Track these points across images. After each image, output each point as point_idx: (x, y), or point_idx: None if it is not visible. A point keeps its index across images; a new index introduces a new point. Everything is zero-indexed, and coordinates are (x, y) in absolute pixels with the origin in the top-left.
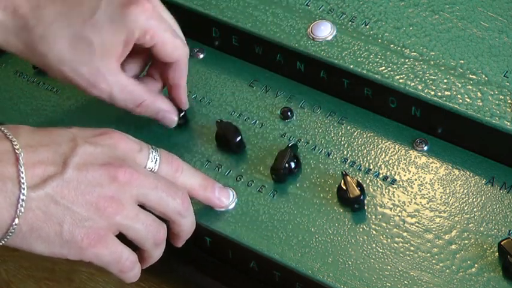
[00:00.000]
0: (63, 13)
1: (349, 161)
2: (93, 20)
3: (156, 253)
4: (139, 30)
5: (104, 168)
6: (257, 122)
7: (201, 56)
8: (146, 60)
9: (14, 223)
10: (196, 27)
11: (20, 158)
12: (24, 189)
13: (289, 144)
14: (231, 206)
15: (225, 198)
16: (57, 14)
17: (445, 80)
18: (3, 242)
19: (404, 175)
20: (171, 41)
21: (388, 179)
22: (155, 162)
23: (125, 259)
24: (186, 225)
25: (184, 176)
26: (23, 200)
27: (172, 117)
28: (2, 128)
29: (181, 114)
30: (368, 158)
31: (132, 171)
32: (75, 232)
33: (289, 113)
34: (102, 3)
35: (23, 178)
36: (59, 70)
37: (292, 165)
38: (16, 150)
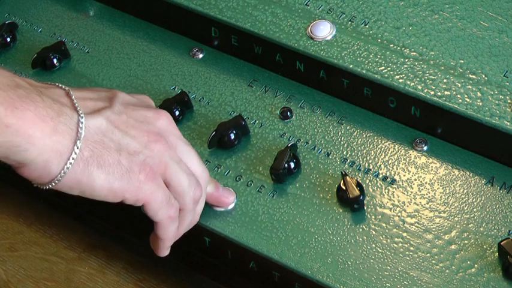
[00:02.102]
0: None
1: (348, 161)
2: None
3: (189, 217)
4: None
5: (146, 110)
6: (256, 122)
7: (201, 55)
8: None
9: (75, 146)
10: (195, 27)
11: (70, 92)
12: (81, 113)
13: (289, 144)
14: (231, 206)
15: (230, 196)
16: None
17: (445, 80)
18: (64, 173)
19: (404, 175)
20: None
21: (388, 179)
22: None
23: (173, 203)
24: (202, 203)
25: None
26: (82, 123)
27: None
28: (44, 82)
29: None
30: (368, 158)
31: (171, 118)
32: (132, 163)
33: (288, 113)
34: None
35: (78, 106)
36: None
37: (292, 165)
38: (64, 88)
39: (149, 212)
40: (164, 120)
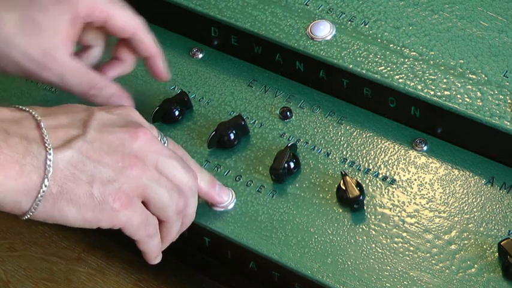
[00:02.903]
0: None
1: (348, 161)
2: (38, 1)
3: (175, 226)
4: (84, 8)
5: (124, 130)
6: (256, 122)
7: (200, 55)
8: (105, 43)
9: (43, 184)
10: (195, 27)
11: (41, 123)
12: (50, 149)
13: (289, 144)
14: (230, 206)
15: (225, 196)
16: None
17: (445, 80)
18: (34, 209)
19: (404, 175)
20: (119, 14)
21: (388, 179)
22: (164, 144)
23: (150, 222)
24: (193, 206)
25: (189, 164)
26: (50, 160)
27: (124, 103)
28: (16, 106)
29: None
30: (367, 158)
31: (150, 133)
32: (106, 193)
33: (288, 113)
34: None
35: (47, 140)
36: (8, 55)
37: (292, 165)
38: (36, 117)
39: (127, 233)
40: (141, 141)
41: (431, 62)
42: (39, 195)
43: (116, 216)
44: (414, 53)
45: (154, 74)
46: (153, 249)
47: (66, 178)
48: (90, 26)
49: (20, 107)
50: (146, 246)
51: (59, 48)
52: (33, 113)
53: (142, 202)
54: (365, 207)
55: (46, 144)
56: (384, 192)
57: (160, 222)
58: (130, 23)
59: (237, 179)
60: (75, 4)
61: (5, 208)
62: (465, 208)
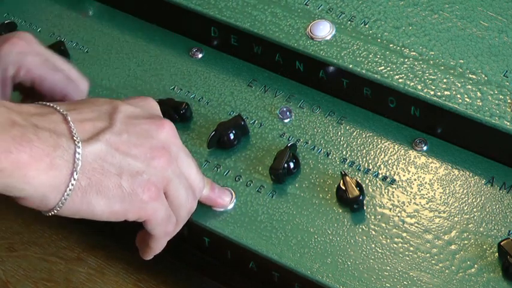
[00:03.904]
0: None
1: (348, 161)
2: None
3: (180, 227)
4: (12, 67)
5: (149, 121)
6: (256, 121)
7: (200, 55)
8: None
9: (72, 177)
10: (195, 27)
11: (68, 117)
12: (78, 142)
13: (288, 144)
14: (230, 206)
15: (226, 197)
16: None
17: (445, 80)
18: (62, 203)
19: (404, 175)
20: (48, 76)
21: (388, 179)
22: None
23: (172, 220)
24: (193, 206)
25: None
26: (78, 153)
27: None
28: (40, 102)
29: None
30: (367, 158)
31: (174, 126)
32: (135, 184)
33: (288, 113)
34: None
35: (75, 134)
36: None
37: (291, 165)
38: (62, 111)
39: (148, 226)
40: (167, 132)
41: (431, 62)
42: (68, 189)
43: (144, 207)
44: (414, 53)
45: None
46: (160, 248)
47: (95, 170)
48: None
49: (44, 103)
50: (157, 243)
51: None
52: (58, 108)
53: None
54: (365, 208)
55: (74, 138)
56: (383, 192)
57: None
58: (59, 87)
59: (236, 179)
60: (3, 66)
61: (33, 203)
62: (465, 208)
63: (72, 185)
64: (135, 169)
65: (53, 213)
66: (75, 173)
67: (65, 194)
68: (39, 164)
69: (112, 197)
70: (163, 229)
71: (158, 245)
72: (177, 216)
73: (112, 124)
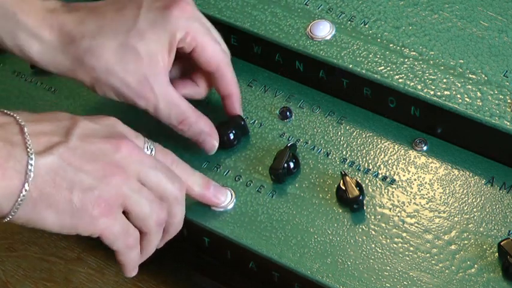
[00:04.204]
0: (106, 25)
1: (348, 161)
2: (136, 29)
3: (155, 238)
4: (180, 32)
5: (106, 140)
6: (256, 121)
7: None
8: (186, 69)
9: (24, 188)
10: None
11: (25, 128)
12: (32, 154)
13: (288, 144)
14: (230, 206)
15: (221, 196)
16: (101, 27)
17: (445, 80)
18: (14, 212)
19: (404, 175)
20: (210, 45)
21: (388, 179)
22: (150, 152)
23: (131, 233)
24: (179, 216)
25: (179, 170)
26: (31, 165)
27: (212, 142)
28: (1, 110)
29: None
30: (367, 158)
31: (133, 144)
32: (86, 199)
33: (288, 113)
34: (142, 10)
35: (29, 145)
36: (107, 82)
37: (291, 165)
38: (20, 122)
39: (106, 242)
40: (123, 152)
41: (431, 62)
42: (19, 199)
43: (94, 223)
44: (414, 53)
45: (228, 111)
46: (131, 261)
47: (46, 183)
48: (178, 52)
49: (6, 111)
50: (124, 257)
51: (157, 78)
52: (17, 118)
53: (124, 213)
54: (365, 208)
55: (28, 149)
56: (383, 192)
57: (141, 233)
58: (216, 58)
59: (236, 179)
60: (173, 28)
61: None
62: (465, 208)
63: (24, 195)
64: (87, 185)
65: (7, 220)
66: (26, 184)
67: (16, 203)
68: None
69: (62, 211)
70: (123, 243)
71: (126, 259)
72: (147, 229)
73: (68, 139)
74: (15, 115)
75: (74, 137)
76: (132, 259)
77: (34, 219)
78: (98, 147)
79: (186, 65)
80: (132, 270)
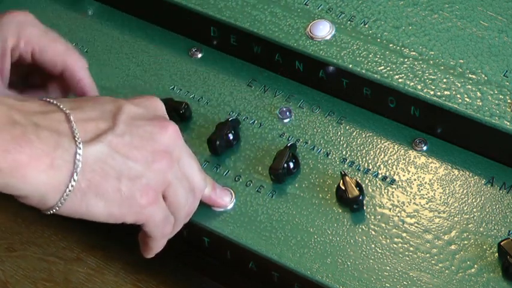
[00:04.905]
0: None
1: (348, 161)
2: None
3: (179, 228)
4: (11, 39)
5: (152, 123)
6: (255, 121)
7: (199, 55)
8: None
9: (72, 178)
10: (194, 27)
11: (70, 116)
12: (79, 143)
13: (288, 144)
14: (230, 206)
15: (226, 197)
16: None
17: (445, 80)
18: (61, 203)
19: (404, 175)
20: (50, 46)
21: (387, 179)
22: None
23: (170, 221)
24: (194, 207)
25: None
26: (79, 154)
27: None
28: (43, 98)
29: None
30: (367, 158)
31: (177, 128)
32: (134, 188)
33: (287, 113)
34: None
35: (76, 134)
36: None
37: (291, 165)
38: (65, 110)
39: (146, 228)
40: (170, 134)
41: (431, 62)
42: (68, 190)
43: (141, 212)
44: (414, 53)
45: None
46: (160, 247)
47: (95, 172)
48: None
49: (48, 99)
50: (156, 243)
51: None
52: (61, 106)
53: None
54: (364, 208)
55: (76, 138)
56: (383, 192)
57: None
58: (60, 57)
59: (236, 179)
60: (3, 38)
61: (32, 202)
62: (465, 208)
63: (72, 186)
64: (135, 173)
65: (51, 212)
66: (75, 174)
67: (64, 194)
68: (38, 165)
69: (110, 201)
70: (161, 231)
71: (157, 245)
72: (176, 218)
73: (115, 125)
74: (58, 103)
75: (121, 122)
76: (161, 245)
77: (81, 210)
78: (145, 130)
79: (41, 76)
80: (153, 254)
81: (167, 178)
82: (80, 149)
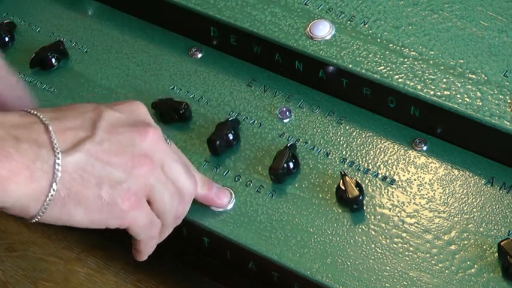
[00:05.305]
0: None
1: (348, 161)
2: None
3: (169, 231)
4: None
5: (133, 129)
6: (255, 121)
7: (199, 55)
8: None
9: (52, 188)
10: (194, 27)
11: (49, 127)
12: (58, 153)
13: (288, 144)
14: (230, 206)
15: (224, 197)
16: None
17: (445, 80)
18: (42, 213)
19: (404, 175)
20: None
21: (387, 179)
22: (169, 145)
23: (155, 223)
24: (185, 213)
25: None
26: (58, 164)
27: None
28: (25, 109)
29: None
30: (367, 158)
31: (159, 133)
32: (114, 194)
33: (287, 113)
34: None
35: (56, 144)
36: None
37: (291, 165)
38: (44, 121)
39: (131, 232)
40: (150, 140)
41: (431, 62)
42: (48, 199)
43: (124, 216)
44: (414, 53)
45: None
46: (150, 250)
47: (74, 181)
48: None
49: (29, 110)
50: (145, 246)
51: None
52: (41, 116)
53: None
54: (364, 208)
55: (55, 148)
56: (383, 192)
57: None
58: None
59: (236, 179)
60: None
61: (14, 212)
62: (465, 208)
63: (52, 195)
64: (115, 179)
65: (35, 220)
66: (54, 184)
67: (45, 203)
68: (18, 178)
69: (91, 207)
70: (147, 234)
71: (146, 248)
72: (163, 221)
73: (94, 133)
74: (38, 114)
75: (100, 129)
76: (151, 248)
77: (63, 218)
78: (125, 137)
79: None
80: (145, 257)
81: (149, 182)
82: (58, 159)
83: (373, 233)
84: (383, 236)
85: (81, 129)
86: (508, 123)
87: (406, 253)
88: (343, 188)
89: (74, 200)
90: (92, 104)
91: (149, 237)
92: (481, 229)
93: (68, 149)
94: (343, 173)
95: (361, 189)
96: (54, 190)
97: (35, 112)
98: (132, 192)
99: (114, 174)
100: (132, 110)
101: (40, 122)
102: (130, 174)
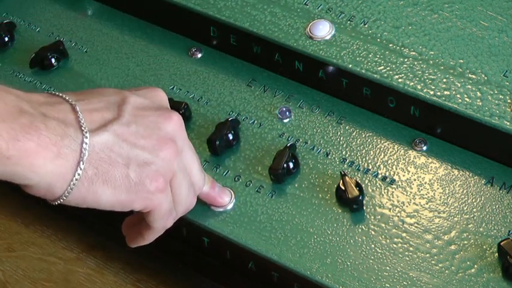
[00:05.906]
0: None
1: (348, 161)
2: None
3: (174, 219)
4: None
5: (157, 113)
6: (255, 121)
7: (199, 55)
8: None
9: (79, 167)
10: (194, 27)
11: (76, 107)
12: (86, 132)
13: (288, 144)
14: (229, 206)
15: (225, 196)
16: None
17: (444, 80)
18: (68, 193)
19: (404, 175)
20: None
21: (387, 179)
22: None
23: (172, 213)
24: (193, 205)
25: None
26: (86, 143)
27: None
28: (48, 92)
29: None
30: (367, 158)
31: (181, 120)
32: (143, 174)
33: (287, 113)
34: None
35: (83, 124)
36: None
37: (291, 165)
38: (70, 102)
39: (150, 218)
40: (174, 124)
41: (431, 62)
42: (75, 178)
43: (150, 198)
44: (414, 53)
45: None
46: (151, 240)
47: (102, 160)
48: None
49: (53, 92)
50: (153, 236)
51: None
52: (66, 97)
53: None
54: (364, 208)
55: (82, 128)
56: (383, 192)
57: None
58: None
59: (236, 179)
60: None
61: (39, 191)
62: (465, 208)
63: (79, 174)
64: (143, 159)
65: (59, 202)
66: (81, 163)
67: (71, 183)
68: (46, 153)
69: (118, 187)
70: (164, 222)
71: (153, 237)
72: (177, 208)
73: (120, 115)
74: (63, 95)
75: (126, 112)
76: (153, 238)
77: (88, 198)
78: (150, 120)
79: None
80: (138, 245)
81: (173, 167)
82: (86, 138)
83: (373, 233)
84: (383, 236)
85: (107, 111)
86: (508, 123)
87: (406, 253)
88: (343, 188)
89: (102, 180)
90: (113, 88)
91: (163, 227)
92: (481, 229)
93: (95, 129)
94: (343, 173)
95: (361, 189)
96: (81, 169)
97: (59, 94)
98: (160, 174)
99: (142, 155)
100: (153, 95)
101: (66, 102)
102: (157, 156)
